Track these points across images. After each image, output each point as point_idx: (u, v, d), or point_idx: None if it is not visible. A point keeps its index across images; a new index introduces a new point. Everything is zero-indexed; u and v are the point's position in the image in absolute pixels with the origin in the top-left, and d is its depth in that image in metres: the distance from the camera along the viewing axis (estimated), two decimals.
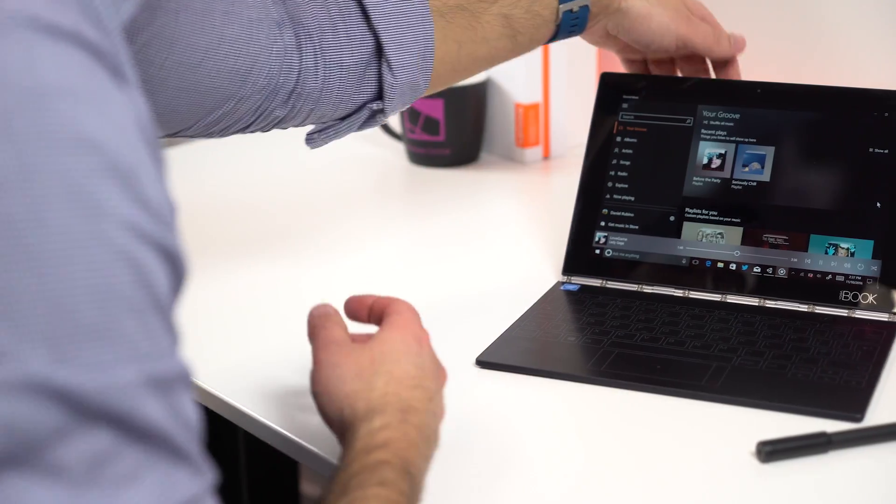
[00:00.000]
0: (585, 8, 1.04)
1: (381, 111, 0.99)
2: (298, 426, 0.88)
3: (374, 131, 1.56)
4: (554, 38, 1.06)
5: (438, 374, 0.81)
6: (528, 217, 1.27)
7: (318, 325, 0.82)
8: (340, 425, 0.77)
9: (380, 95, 0.98)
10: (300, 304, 0.86)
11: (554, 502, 0.79)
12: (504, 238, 1.23)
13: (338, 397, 0.77)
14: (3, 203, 0.49)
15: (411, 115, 1.44)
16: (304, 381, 0.81)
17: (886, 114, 1.00)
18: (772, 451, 0.80)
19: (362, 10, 0.97)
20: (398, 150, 1.51)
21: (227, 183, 1.42)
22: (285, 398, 0.92)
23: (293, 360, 0.91)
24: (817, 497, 0.78)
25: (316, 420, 0.80)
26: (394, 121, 1.56)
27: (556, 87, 1.44)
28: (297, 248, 1.21)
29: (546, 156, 1.45)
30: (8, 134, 0.49)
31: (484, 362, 0.95)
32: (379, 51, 0.97)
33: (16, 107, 0.49)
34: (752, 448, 0.81)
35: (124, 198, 0.51)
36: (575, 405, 0.91)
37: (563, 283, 1.07)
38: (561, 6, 1.03)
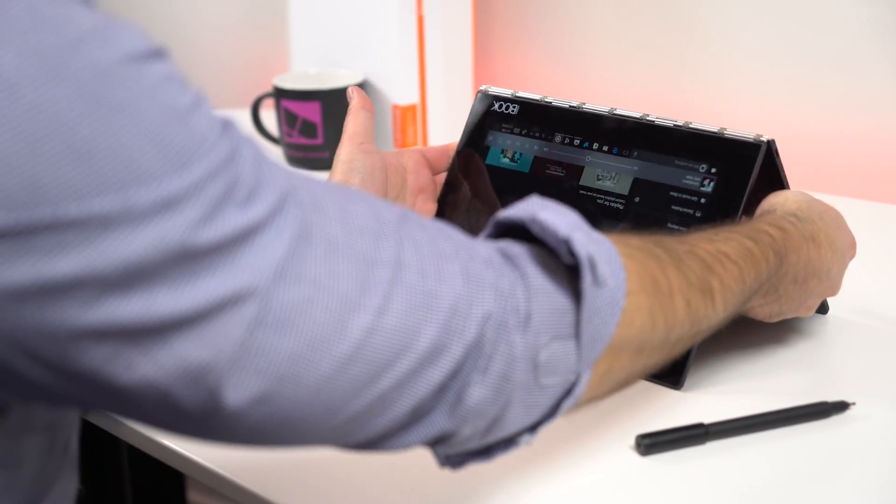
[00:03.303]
0: None
1: None
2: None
3: (252, 135, 1.55)
4: None
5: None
6: None
7: None
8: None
9: None
10: None
11: (423, 488, 0.80)
12: None
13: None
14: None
15: (288, 119, 1.44)
16: None
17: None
18: (651, 443, 0.82)
19: None
20: (276, 154, 1.50)
21: None
22: None
23: None
24: (697, 487, 0.79)
25: None
26: (271, 124, 1.55)
27: (433, 88, 1.45)
28: None
29: None
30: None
31: None
32: None
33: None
34: (632, 441, 0.83)
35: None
36: None
37: None
38: None
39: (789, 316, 0.92)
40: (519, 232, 0.69)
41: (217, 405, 0.56)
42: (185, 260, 0.54)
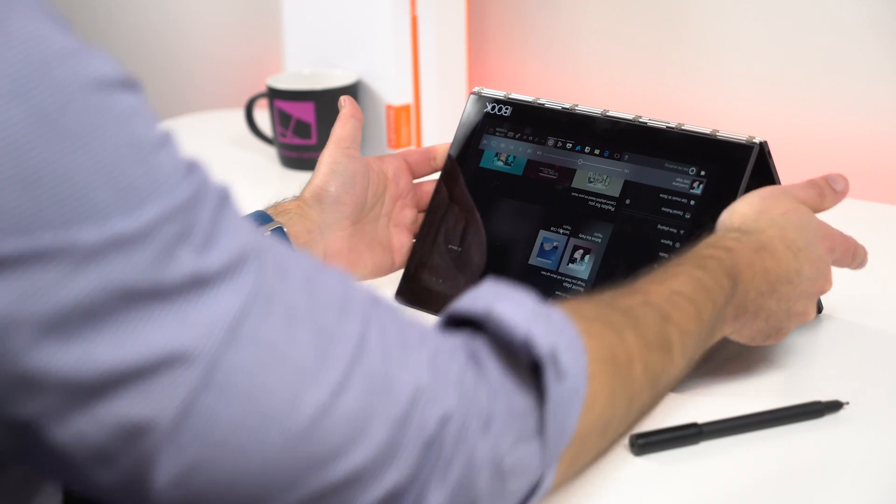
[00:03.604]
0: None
1: None
2: None
3: (246, 135, 1.55)
4: None
5: (818, 278, 0.88)
6: None
7: None
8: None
9: None
10: None
11: None
12: None
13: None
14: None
15: (282, 119, 1.44)
16: None
17: None
18: (645, 443, 0.81)
19: None
20: (270, 154, 1.50)
21: None
22: None
23: None
24: (691, 487, 0.79)
25: None
26: (265, 124, 1.55)
27: (427, 88, 1.45)
28: None
29: None
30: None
31: None
32: None
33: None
34: (626, 441, 0.82)
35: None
36: None
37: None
38: None
39: (789, 328, 0.89)
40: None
41: (153, 468, 0.53)
42: (130, 306, 0.51)
